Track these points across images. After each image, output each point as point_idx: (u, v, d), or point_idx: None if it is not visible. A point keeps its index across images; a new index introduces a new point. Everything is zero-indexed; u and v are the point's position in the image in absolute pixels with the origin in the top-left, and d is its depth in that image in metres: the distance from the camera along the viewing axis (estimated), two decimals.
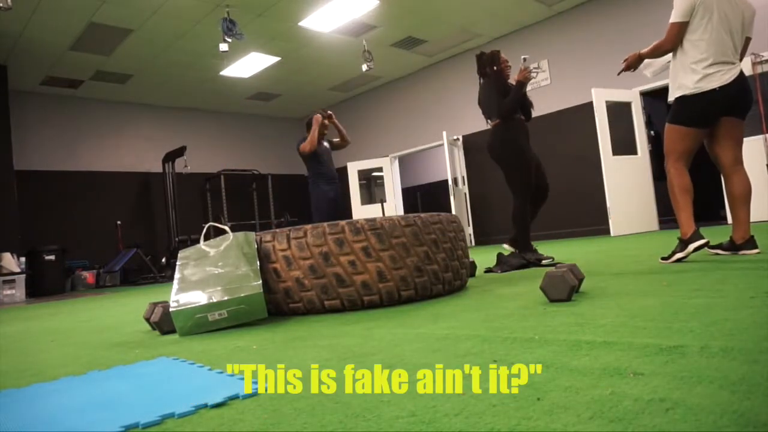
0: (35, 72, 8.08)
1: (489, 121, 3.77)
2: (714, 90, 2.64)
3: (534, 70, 3.75)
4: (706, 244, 2.66)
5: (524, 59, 3.61)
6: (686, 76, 2.70)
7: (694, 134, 2.76)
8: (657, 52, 2.85)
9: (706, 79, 2.65)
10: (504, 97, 3.64)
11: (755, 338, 1.06)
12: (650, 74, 3.17)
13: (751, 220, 2.84)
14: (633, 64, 2.97)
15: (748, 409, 0.70)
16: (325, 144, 4.71)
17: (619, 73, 3.16)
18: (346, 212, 4.71)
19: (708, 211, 7.21)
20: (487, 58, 3.81)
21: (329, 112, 4.58)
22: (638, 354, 1.04)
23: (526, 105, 3.80)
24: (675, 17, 2.72)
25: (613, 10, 7.39)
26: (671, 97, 2.82)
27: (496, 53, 3.80)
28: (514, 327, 1.47)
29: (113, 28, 6.90)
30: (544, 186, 3.75)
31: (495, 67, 3.76)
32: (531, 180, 3.61)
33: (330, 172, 4.65)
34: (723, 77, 2.64)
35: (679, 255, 2.67)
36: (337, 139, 4.74)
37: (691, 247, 2.63)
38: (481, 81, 3.86)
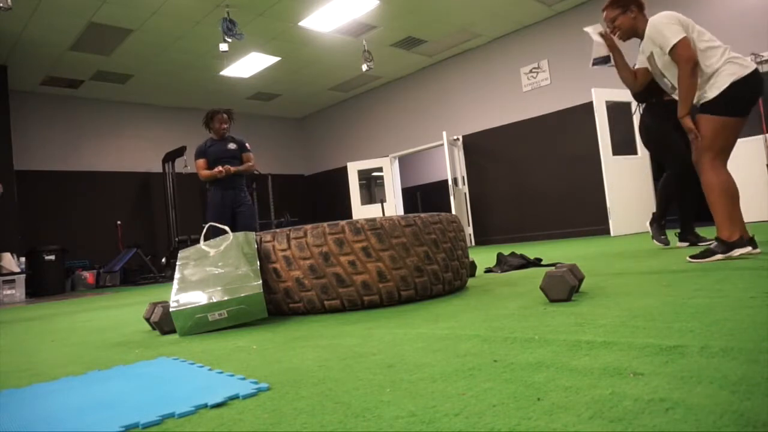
0: (35, 72, 8.08)
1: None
2: (755, 71, 2.51)
3: (598, 35, 3.06)
4: (752, 251, 2.56)
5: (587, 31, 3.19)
6: (725, 68, 2.54)
7: (739, 125, 2.57)
8: (692, 82, 2.56)
9: (738, 66, 2.53)
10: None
11: (755, 338, 1.06)
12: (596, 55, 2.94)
13: (752, 220, 2.82)
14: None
15: (748, 409, 0.70)
16: (230, 146, 4.52)
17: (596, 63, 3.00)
18: (234, 218, 4.57)
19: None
20: None
21: (228, 170, 4.40)
22: (638, 354, 1.04)
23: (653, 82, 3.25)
24: (678, 34, 2.55)
25: None
26: (711, 95, 2.56)
27: None
28: (514, 327, 1.47)
29: (113, 28, 6.91)
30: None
31: None
32: (678, 160, 3.64)
33: (222, 178, 4.43)
34: (748, 61, 2.56)
35: (719, 257, 2.55)
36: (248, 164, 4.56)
37: (736, 252, 2.53)
38: None
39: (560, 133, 8.03)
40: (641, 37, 2.81)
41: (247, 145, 4.68)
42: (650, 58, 2.80)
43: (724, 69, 2.55)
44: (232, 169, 4.42)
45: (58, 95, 9.14)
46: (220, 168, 4.38)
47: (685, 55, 2.53)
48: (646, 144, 3.82)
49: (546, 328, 1.40)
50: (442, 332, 1.51)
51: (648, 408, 0.75)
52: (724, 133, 2.58)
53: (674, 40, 2.54)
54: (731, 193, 2.57)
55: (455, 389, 0.94)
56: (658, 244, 3.83)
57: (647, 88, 3.51)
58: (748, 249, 2.54)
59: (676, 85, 2.68)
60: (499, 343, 1.29)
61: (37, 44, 7.14)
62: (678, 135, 3.64)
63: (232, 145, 4.56)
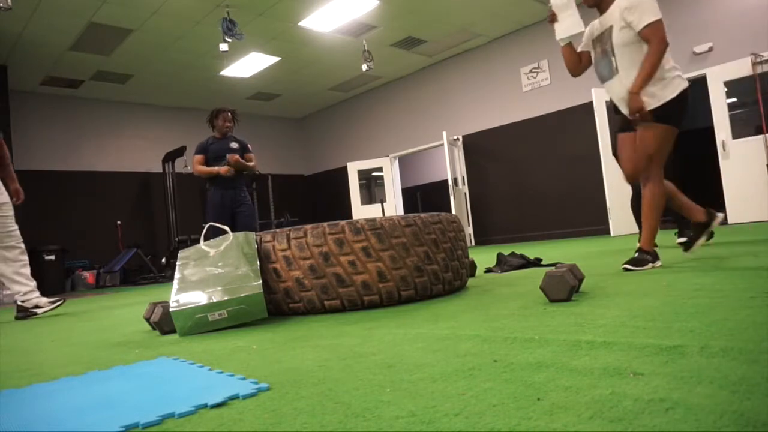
0: (35, 72, 8.07)
1: None
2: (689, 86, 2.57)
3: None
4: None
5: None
6: (672, 76, 2.55)
7: (675, 135, 2.63)
8: (659, 63, 2.51)
9: (681, 78, 2.57)
10: None
11: (755, 338, 1.06)
12: (564, 33, 2.76)
13: (752, 220, 2.83)
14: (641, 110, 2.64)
15: (748, 409, 0.70)
16: (233, 145, 4.52)
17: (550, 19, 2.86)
18: (236, 219, 4.55)
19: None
20: None
21: (231, 169, 4.38)
22: (638, 354, 1.04)
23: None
24: (656, 14, 2.51)
25: None
26: (664, 101, 2.53)
27: None
28: (514, 327, 1.47)
29: (113, 28, 6.90)
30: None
31: None
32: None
33: (222, 178, 4.43)
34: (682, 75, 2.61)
35: (650, 266, 2.55)
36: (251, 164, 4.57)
37: (658, 264, 2.59)
38: None
39: (560, 133, 8.03)
40: (603, 11, 2.73)
41: (249, 145, 4.69)
42: (600, 37, 2.72)
43: (671, 78, 2.55)
44: (234, 160, 4.33)
45: (58, 95, 9.14)
46: (230, 161, 4.34)
47: (661, 34, 2.51)
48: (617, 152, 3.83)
49: (546, 328, 1.40)
50: (442, 332, 1.51)
51: (648, 408, 0.75)
52: (669, 143, 2.59)
53: (655, 18, 2.51)
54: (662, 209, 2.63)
55: (455, 389, 0.94)
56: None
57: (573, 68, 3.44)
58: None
59: (620, 68, 2.62)
60: (499, 343, 1.29)
61: (37, 44, 7.14)
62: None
63: (234, 144, 4.57)
